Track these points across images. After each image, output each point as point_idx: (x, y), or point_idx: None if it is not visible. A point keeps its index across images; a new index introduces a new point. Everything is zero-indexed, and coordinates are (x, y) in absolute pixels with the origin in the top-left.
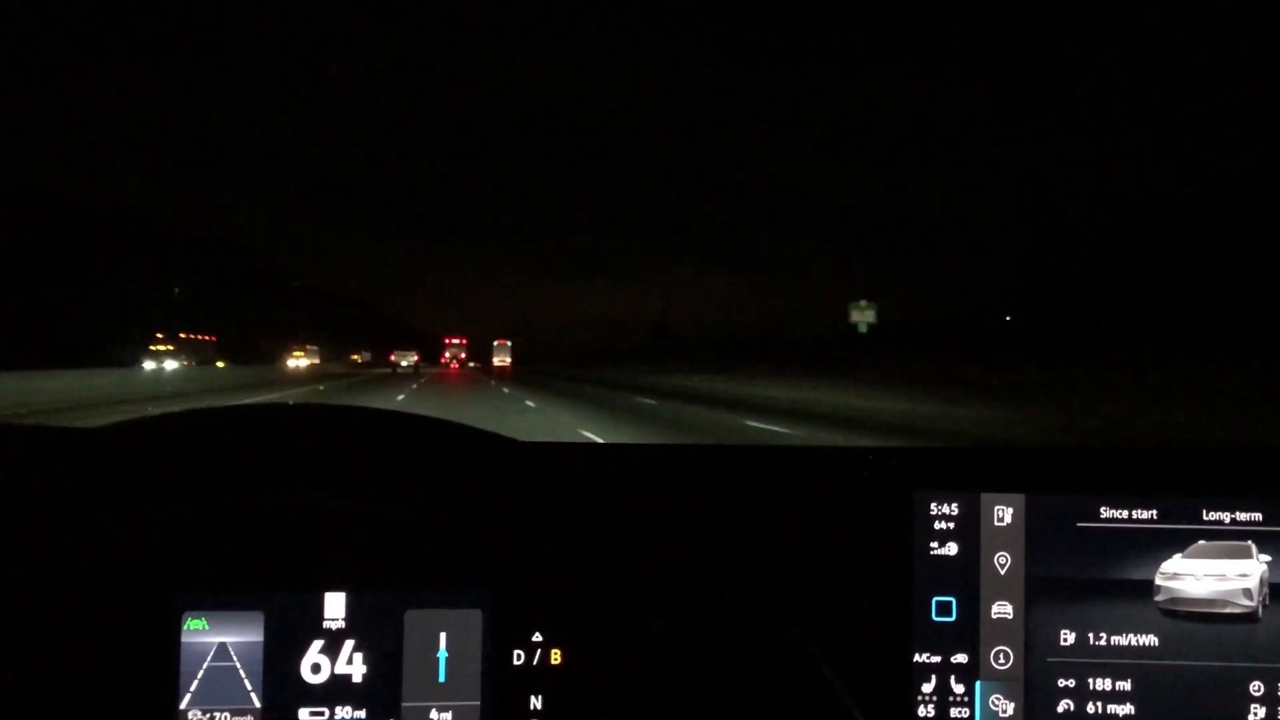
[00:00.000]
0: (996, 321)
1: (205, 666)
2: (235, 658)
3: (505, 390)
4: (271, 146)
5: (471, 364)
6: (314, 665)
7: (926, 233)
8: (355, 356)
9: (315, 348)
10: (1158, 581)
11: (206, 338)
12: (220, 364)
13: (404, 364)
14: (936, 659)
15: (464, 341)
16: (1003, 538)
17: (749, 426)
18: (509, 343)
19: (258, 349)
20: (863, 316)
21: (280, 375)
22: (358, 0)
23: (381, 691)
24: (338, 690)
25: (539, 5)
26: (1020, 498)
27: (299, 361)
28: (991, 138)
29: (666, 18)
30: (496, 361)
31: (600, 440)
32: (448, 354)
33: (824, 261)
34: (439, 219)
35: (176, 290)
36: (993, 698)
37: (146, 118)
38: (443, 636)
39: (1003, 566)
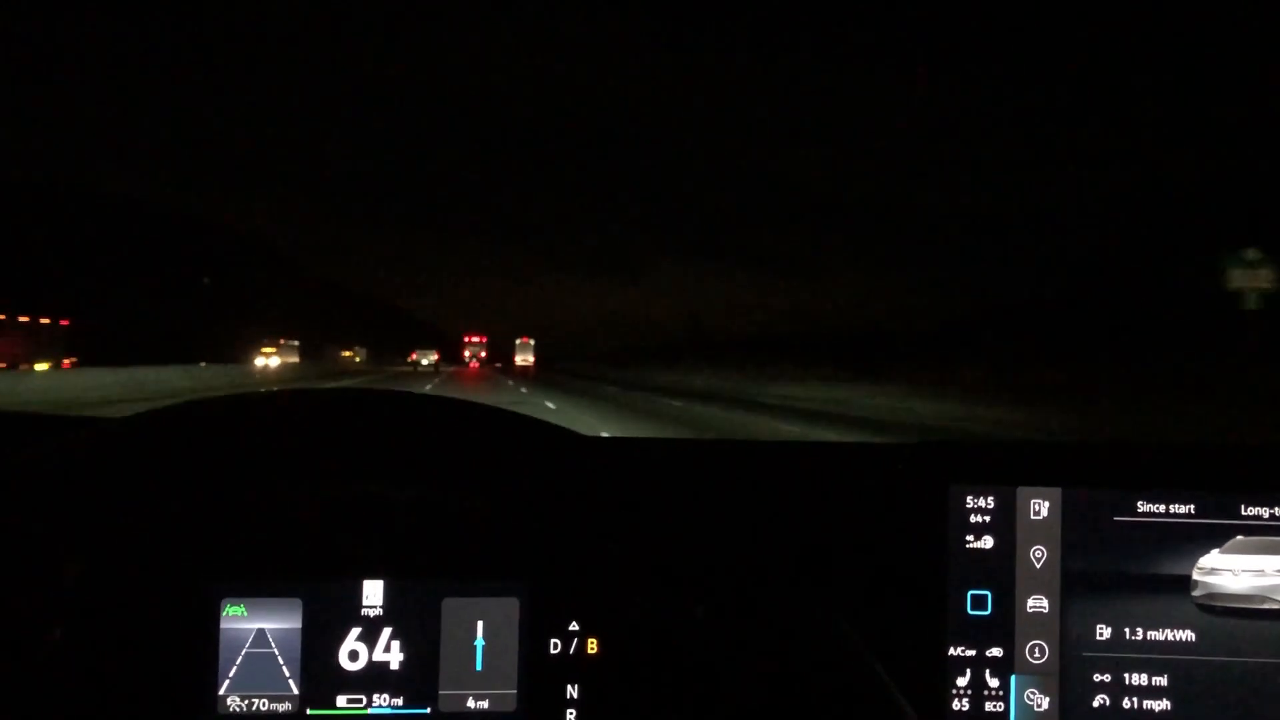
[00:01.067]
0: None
1: (244, 653)
2: (274, 644)
3: (524, 390)
4: (291, 143)
5: (495, 364)
6: (352, 653)
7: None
8: (347, 353)
9: (295, 343)
10: (1195, 577)
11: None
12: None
13: (424, 362)
14: (971, 652)
15: (484, 340)
16: (1038, 531)
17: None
18: (532, 341)
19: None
20: (1255, 280)
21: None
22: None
23: (418, 679)
24: (375, 678)
25: (564, 5)
26: (1056, 491)
27: (269, 360)
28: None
29: (698, 12)
30: (519, 360)
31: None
32: (467, 352)
33: (849, 258)
34: (460, 218)
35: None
36: (1028, 692)
37: (179, 117)
38: (480, 625)
39: (1038, 560)
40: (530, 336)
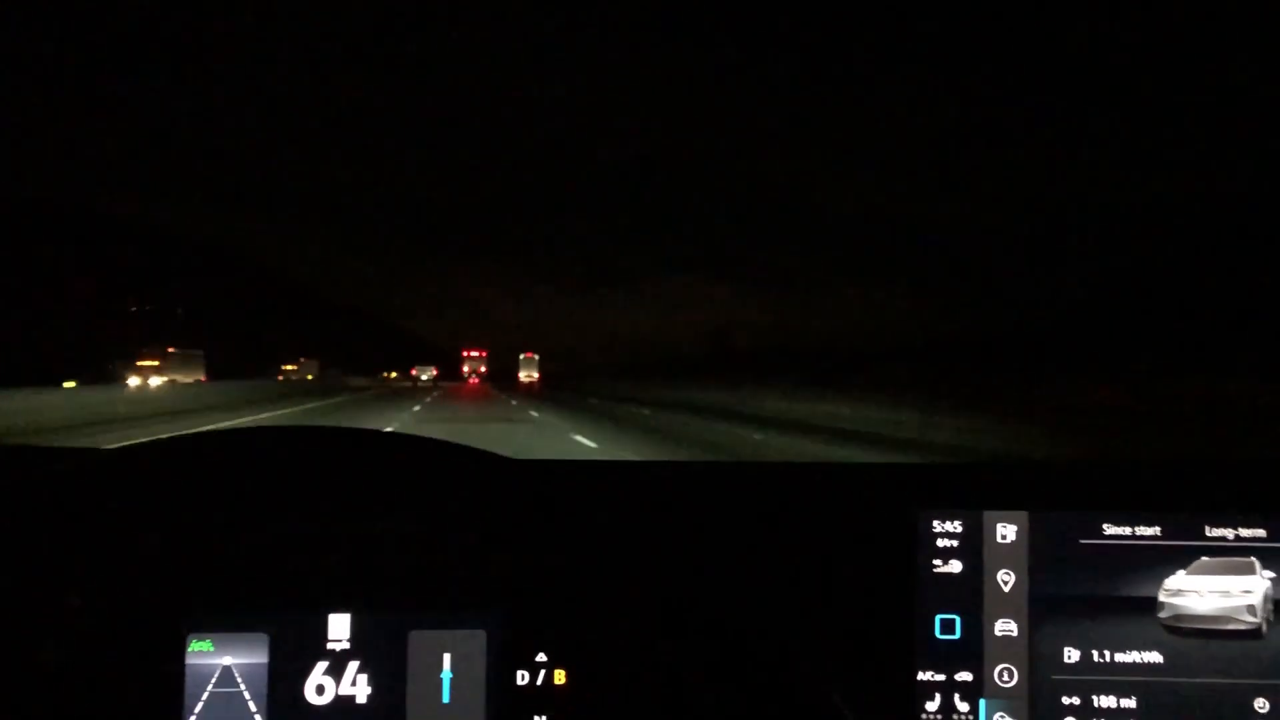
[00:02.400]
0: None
1: (210, 688)
2: (240, 679)
3: (534, 414)
4: (279, 159)
5: (490, 381)
6: (318, 686)
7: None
8: (290, 366)
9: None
10: (1161, 598)
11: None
12: (201, 379)
13: (424, 378)
14: (941, 677)
15: (484, 354)
16: (1006, 555)
17: None
18: (536, 356)
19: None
20: None
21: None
22: (377, 15)
23: (386, 712)
24: (342, 711)
25: (564, 19)
26: (1023, 515)
27: (146, 379)
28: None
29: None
30: (523, 377)
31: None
32: (466, 367)
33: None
34: (456, 234)
35: (180, 311)
36: (997, 715)
37: (160, 127)
38: (447, 657)
39: (1006, 584)
40: (533, 352)
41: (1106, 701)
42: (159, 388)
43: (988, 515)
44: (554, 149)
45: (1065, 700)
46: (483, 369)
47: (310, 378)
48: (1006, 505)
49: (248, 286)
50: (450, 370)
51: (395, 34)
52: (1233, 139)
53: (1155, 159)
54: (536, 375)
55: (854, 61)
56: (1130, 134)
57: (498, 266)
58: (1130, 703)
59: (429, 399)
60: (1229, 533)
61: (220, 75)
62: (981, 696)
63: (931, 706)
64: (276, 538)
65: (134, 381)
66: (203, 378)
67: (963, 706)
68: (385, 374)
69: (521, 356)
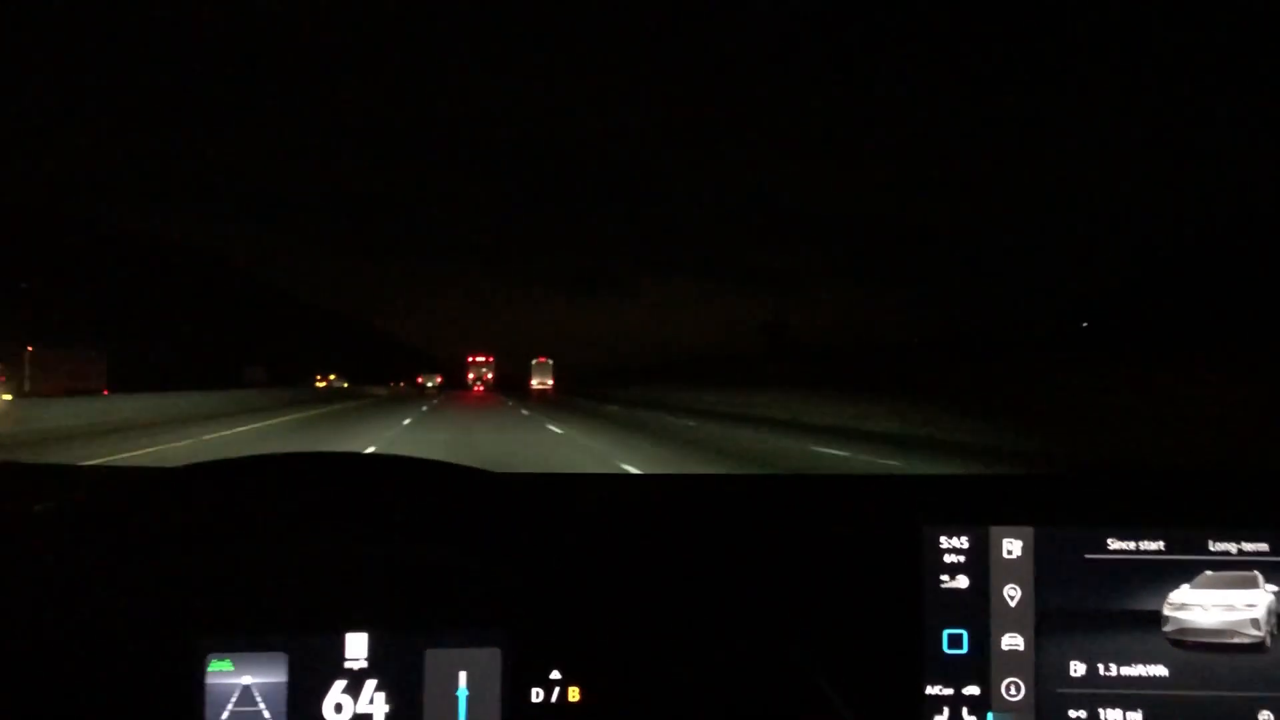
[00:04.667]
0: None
1: (230, 708)
2: (260, 698)
3: (555, 429)
4: (269, 163)
5: (497, 390)
6: (337, 705)
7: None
8: (321, 382)
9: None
10: (1166, 612)
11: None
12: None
13: (430, 385)
14: (948, 691)
15: (490, 360)
16: (1012, 570)
17: None
18: (550, 361)
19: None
20: None
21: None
22: (376, 24)
23: None
24: None
25: (557, 26)
26: (1029, 530)
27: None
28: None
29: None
30: (535, 384)
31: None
32: (472, 374)
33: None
34: (459, 242)
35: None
36: None
37: (147, 134)
38: (462, 675)
39: (1012, 599)
40: (546, 356)
41: (1112, 715)
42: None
43: (994, 530)
44: (553, 153)
45: (1072, 713)
46: (489, 375)
47: (346, 385)
48: (1012, 521)
49: (234, 294)
50: (456, 378)
51: (385, 41)
52: (1233, 136)
53: (1157, 154)
54: (551, 382)
55: (854, 62)
56: (1134, 128)
57: (500, 274)
58: (1136, 716)
59: (424, 408)
60: (1232, 547)
61: (221, 85)
62: (989, 710)
63: None
64: (296, 559)
65: None
66: (103, 389)
67: None
68: (394, 383)
69: (534, 362)
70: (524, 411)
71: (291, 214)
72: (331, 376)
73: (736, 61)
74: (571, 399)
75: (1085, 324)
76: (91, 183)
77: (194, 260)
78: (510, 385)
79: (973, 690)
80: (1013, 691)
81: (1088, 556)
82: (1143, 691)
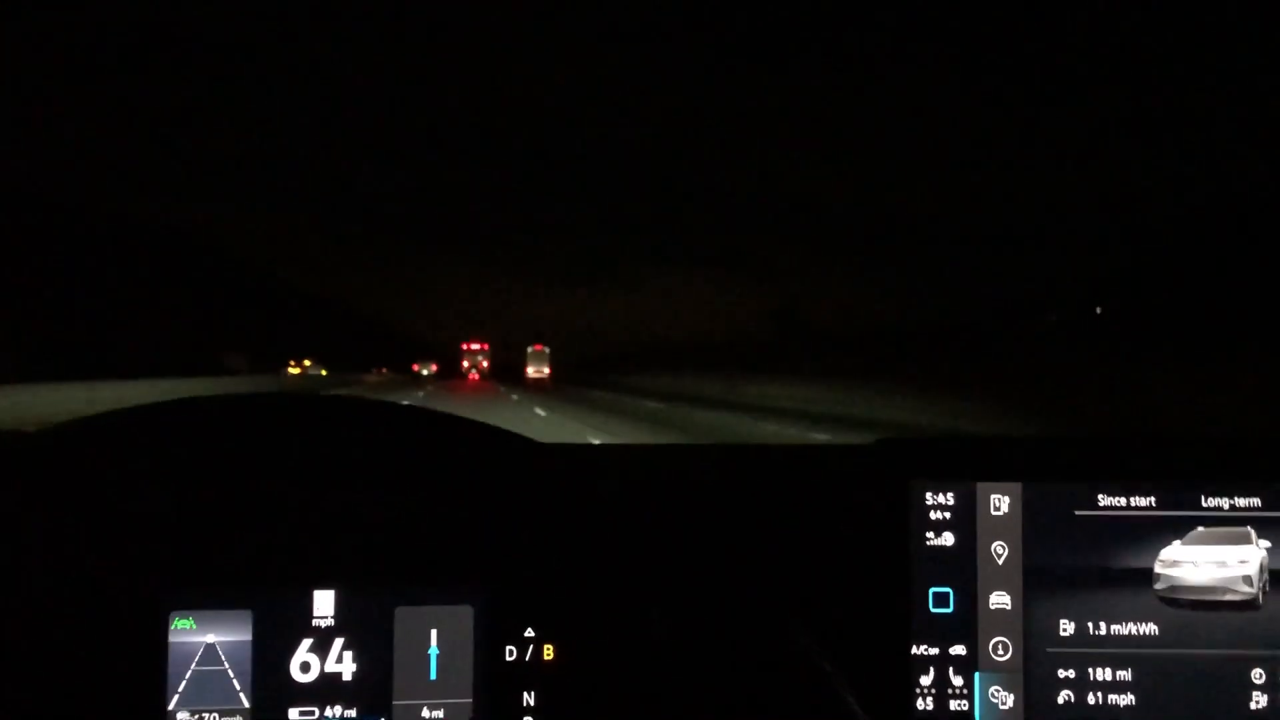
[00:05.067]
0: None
1: (193, 667)
2: (224, 657)
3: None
4: (269, 148)
5: (493, 378)
6: (303, 664)
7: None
8: (294, 369)
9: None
10: (1157, 569)
11: None
12: None
13: (424, 372)
14: (935, 651)
15: (485, 347)
16: (1000, 527)
17: None
18: (546, 349)
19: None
20: None
21: None
22: (372, 10)
23: (372, 689)
24: (328, 689)
25: (561, 13)
26: (1017, 486)
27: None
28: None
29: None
30: (531, 372)
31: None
32: (466, 362)
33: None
34: (450, 227)
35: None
36: (992, 689)
37: (147, 118)
38: (434, 633)
39: (1000, 556)
40: (542, 344)
41: (1102, 674)
42: None
43: (981, 487)
44: (556, 140)
45: (1060, 673)
46: (484, 363)
47: (324, 374)
48: (1000, 477)
49: (247, 284)
50: (450, 366)
51: (391, 23)
52: (1233, 132)
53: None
54: (547, 370)
55: (855, 61)
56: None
57: (494, 261)
58: (1126, 674)
59: (421, 394)
60: (1224, 502)
61: (222, 71)
62: (976, 670)
63: (926, 680)
64: (258, 511)
65: None
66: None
67: (957, 680)
68: (378, 369)
69: (530, 349)
70: (514, 396)
71: (284, 198)
72: (306, 362)
73: (746, 50)
74: (568, 387)
75: (1099, 309)
76: (63, 162)
77: (172, 241)
78: (508, 373)
79: (959, 649)
80: (1000, 651)
81: (1077, 513)
82: (1133, 650)
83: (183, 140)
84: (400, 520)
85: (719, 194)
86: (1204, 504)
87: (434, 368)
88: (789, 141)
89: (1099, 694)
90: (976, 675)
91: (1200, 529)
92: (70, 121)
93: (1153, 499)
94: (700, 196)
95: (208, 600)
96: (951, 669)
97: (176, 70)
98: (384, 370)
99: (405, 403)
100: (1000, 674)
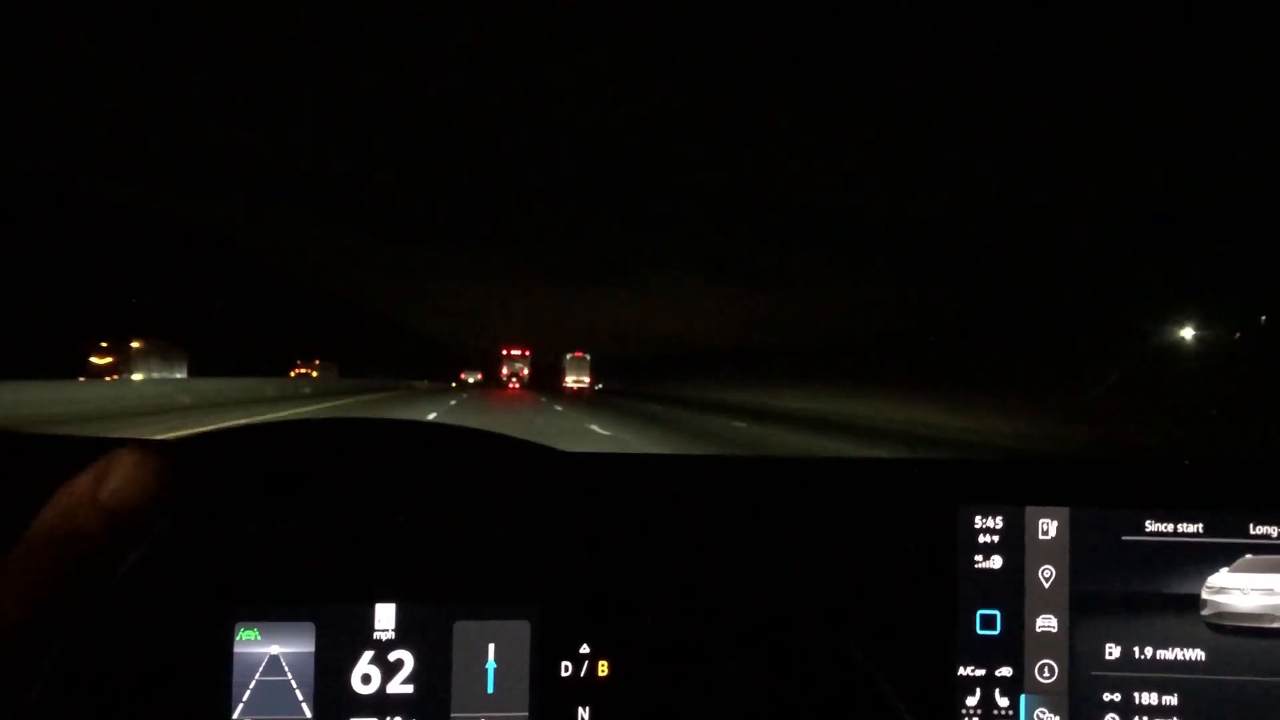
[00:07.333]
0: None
1: (257, 677)
2: (287, 668)
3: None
4: (286, 150)
5: (532, 387)
6: (364, 676)
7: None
8: (299, 371)
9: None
10: (1204, 596)
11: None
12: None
13: (470, 381)
14: (981, 672)
15: (526, 353)
16: (1047, 551)
17: None
18: (587, 356)
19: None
20: None
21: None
22: (387, 13)
23: (430, 702)
24: (387, 701)
25: (572, 13)
26: (1064, 511)
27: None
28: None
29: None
30: (570, 381)
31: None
32: (505, 369)
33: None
34: (490, 236)
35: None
36: (1037, 711)
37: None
38: (491, 648)
39: (1047, 580)
40: (583, 351)
41: (1148, 698)
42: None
43: (1029, 511)
44: (546, 146)
45: (1106, 697)
46: (525, 371)
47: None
48: (1048, 501)
49: (270, 290)
50: (489, 374)
51: (406, 25)
52: (1234, 132)
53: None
54: (588, 379)
55: (855, 60)
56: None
57: (523, 267)
58: (1172, 700)
59: (453, 402)
60: (1273, 530)
61: (238, 71)
62: (1022, 692)
63: (972, 701)
64: (325, 528)
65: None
66: (184, 375)
67: (1003, 701)
68: (418, 380)
69: (569, 356)
70: (558, 408)
71: (298, 198)
72: (316, 362)
73: (752, 58)
74: (612, 398)
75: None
76: (95, 160)
77: (237, 259)
78: (550, 379)
79: (1005, 671)
80: (1046, 673)
81: (1124, 538)
82: (1179, 675)
83: (242, 155)
84: (459, 537)
85: (754, 207)
86: (1252, 531)
87: (479, 376)
88: (818, 151)
89: (1144, 718)
90: (1022, 697)
91: (1248, 556)
92: (144, 126)
93: (1200, 525)
94: (735, 209)
95: (273, 612)
96: (997, 690)
97: (257, 97)
98: (426, 383)
99: (451, 423)
100: (1045, 696)
